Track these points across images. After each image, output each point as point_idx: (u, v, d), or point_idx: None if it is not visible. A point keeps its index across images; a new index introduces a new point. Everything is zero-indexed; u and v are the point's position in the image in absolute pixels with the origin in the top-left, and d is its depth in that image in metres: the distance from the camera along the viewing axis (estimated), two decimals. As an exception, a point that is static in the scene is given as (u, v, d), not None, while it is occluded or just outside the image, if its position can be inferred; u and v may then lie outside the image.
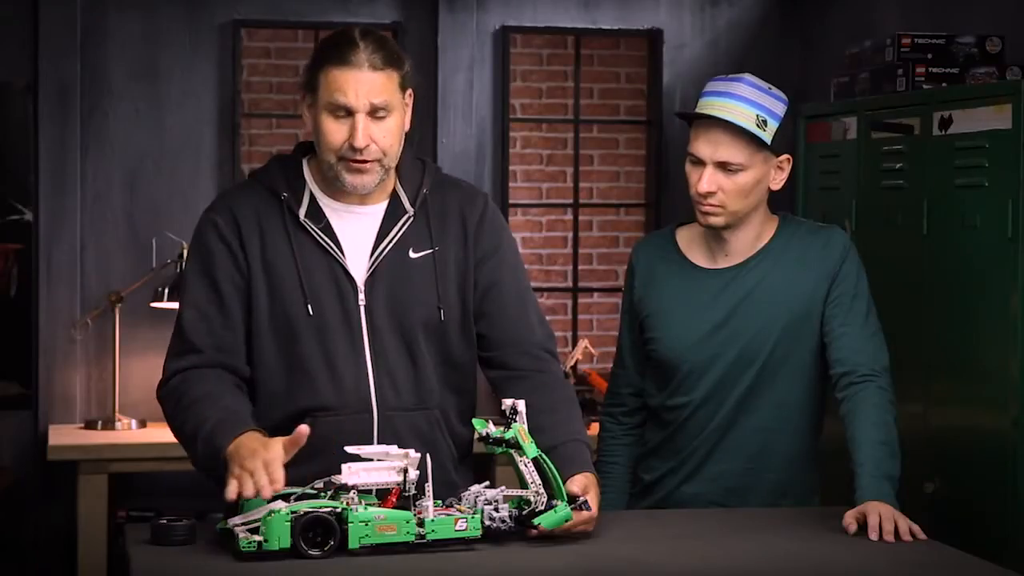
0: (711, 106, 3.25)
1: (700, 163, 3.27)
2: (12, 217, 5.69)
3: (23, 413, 5.70)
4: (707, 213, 3.29)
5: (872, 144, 4.33)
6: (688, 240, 3.42)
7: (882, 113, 4.30)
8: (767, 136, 3.24)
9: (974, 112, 3.86)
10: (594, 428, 3.97)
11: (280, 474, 2.67)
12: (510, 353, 3.09)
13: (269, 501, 2.67)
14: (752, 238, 3.35)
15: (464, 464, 3.12)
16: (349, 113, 2.91)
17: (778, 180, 3.33)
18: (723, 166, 3.24)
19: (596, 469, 3.46)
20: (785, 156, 3.31)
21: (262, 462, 2.68)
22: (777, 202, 3.44)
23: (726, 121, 3.22)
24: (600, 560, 2.69)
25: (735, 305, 3.32)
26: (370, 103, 2.90)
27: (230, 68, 5.83)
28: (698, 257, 3.39)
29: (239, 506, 2.70)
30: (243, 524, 2.63)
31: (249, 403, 2.96)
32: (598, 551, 2.74)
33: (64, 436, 5.46)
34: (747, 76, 3.29)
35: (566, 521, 2.75)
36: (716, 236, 3.35)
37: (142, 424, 5.54)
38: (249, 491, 2.65)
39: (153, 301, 5.53)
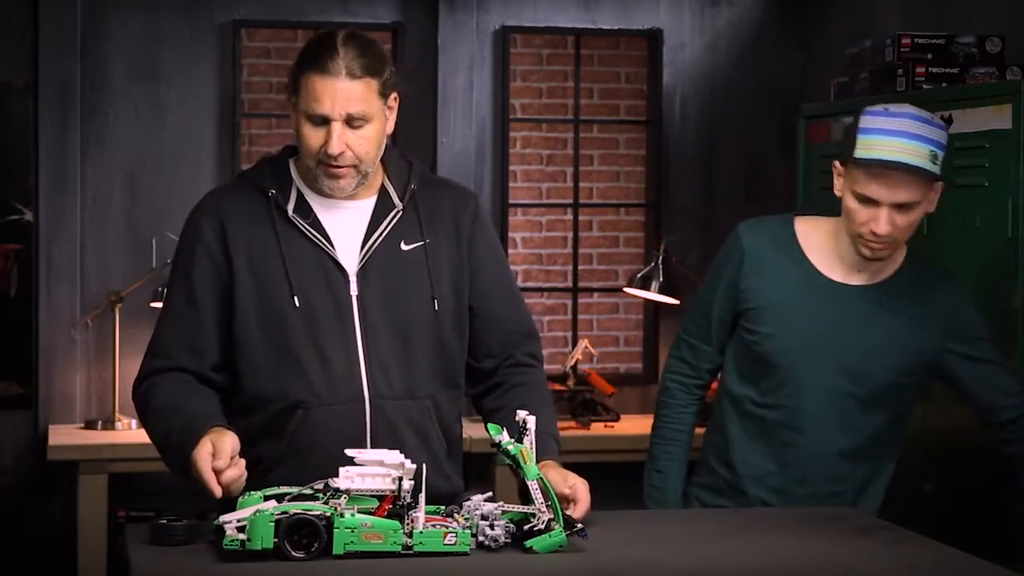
0: (884, 147, 3.12)
1: (871, 203, 3.15)
2: (12, 217, 5.69)
3: (23, 413, 5.70)
4: (877, 250, 3.20)
5: (872, 144, 4.32)
6: (813, 241, 3.31)
7: (882, 113, 4.29)
8: (938, 169, 3.17)
9: (974, 112, 3.85)
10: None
11: (227, 449, 2.72)
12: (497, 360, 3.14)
13: (265, 499, 2.66)
14: (889, 259, 3.28)
15: (453, 456, 3.12)
16: (326, 120, 2.92)
17: (935, 202, 3.26)
18: (900, 206, 3.15)
19: (660, 436, 3.40)
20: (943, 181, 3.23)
21: (210, 447, 2.73)
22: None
23: (905, 164, 3.12)
24: (600, 560, 2.68)
25: (857, 328, 3.25)
26: (346, 112, 2.91)
27: (230, 68, 5.83)
28: (824, 263, 3.29)
29: (235, 503, 2.69)
30: (234, 521, 2.60)
31: (217, 401, 2.98)
32: (598, 551, 2.74)
33: (64, 436, 5.46)
34: (908, 109, 3.17)
35: (560, 547, 2.69)
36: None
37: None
38: (216, 485, 2.71)
39: (153, 301, 5.52)
